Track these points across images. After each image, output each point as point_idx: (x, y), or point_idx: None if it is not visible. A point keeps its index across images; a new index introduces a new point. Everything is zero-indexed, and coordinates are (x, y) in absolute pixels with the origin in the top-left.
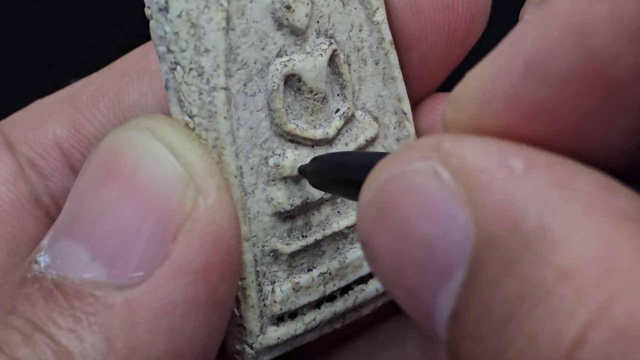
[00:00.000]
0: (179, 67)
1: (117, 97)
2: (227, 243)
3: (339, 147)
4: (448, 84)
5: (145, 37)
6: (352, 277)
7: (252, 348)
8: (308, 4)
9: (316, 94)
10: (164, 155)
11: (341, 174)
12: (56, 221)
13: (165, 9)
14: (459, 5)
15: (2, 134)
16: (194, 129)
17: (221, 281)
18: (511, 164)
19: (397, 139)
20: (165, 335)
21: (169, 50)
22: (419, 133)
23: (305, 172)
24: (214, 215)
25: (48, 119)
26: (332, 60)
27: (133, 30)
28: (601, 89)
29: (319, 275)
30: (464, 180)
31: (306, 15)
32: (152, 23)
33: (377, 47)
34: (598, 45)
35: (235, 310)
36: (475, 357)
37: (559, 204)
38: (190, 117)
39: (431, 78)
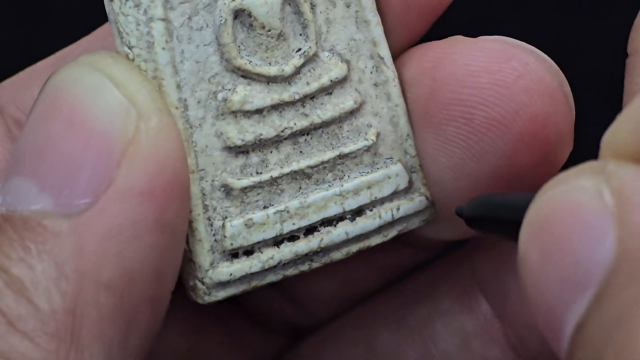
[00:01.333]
0: None
1: None
2: (172, 165)
3: (299, 86)
4: (433, 34)
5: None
6: (314, 218)
7: (203, 283)
8: None
9: (269, 30)
10: (104, 86)
11: (501, 214)
12: (8, 162)
13: None
14: None
15: None
16: (133, 59)
17: (168, 202)
18: None
19: (374, 84)
20: (115, 258)
21: None
22: (404, 82)
23: (462, 213)
24: (156, 138)
25: (36, 81)
26: None
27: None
28: None
29: (275, 213)
30: (620, 200)
31: None
32: None
33: None
34: None
35: (185, 245)
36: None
37: None
38: (129, 48)
39: (413, 26)
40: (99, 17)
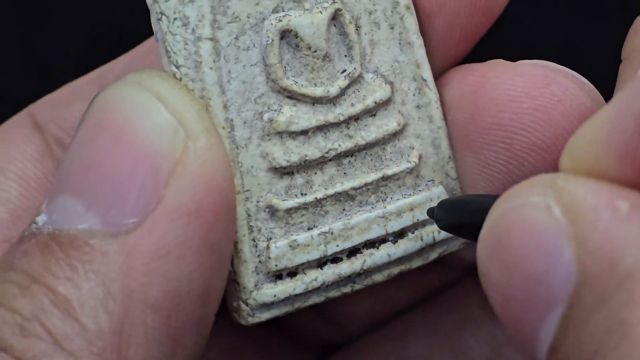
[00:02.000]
0: (164, 17)
1: None
2: (219, 185)
3: (343, 107)
4: (477, 55)
5: (147, 36)
6: (357, 240)
7: (247, 304)
8: None
9: (315, 51)
10: (152, 105)
11: (464, 217)
12: (53, 181)
13: None
14: None
15: (31, 115)
16: (180, 79)
17: (215, 223)
18: (617, 205)
19: (417, 106)
20: (162, 278)
21: (154, 1)
22: (445, 104)
23: (432, 215)
24: (204, 158)
25: (76, 99)
26: (337, 20)
27: (134, 30)
28: None
29: (319, 235)
30: (573, 217)
31: None
32: None
33: (392, 11)
34: None
35: (230, 265)
36: None
37: None
38: (177, 67)
39: (456, 47)
40: (100, 17)
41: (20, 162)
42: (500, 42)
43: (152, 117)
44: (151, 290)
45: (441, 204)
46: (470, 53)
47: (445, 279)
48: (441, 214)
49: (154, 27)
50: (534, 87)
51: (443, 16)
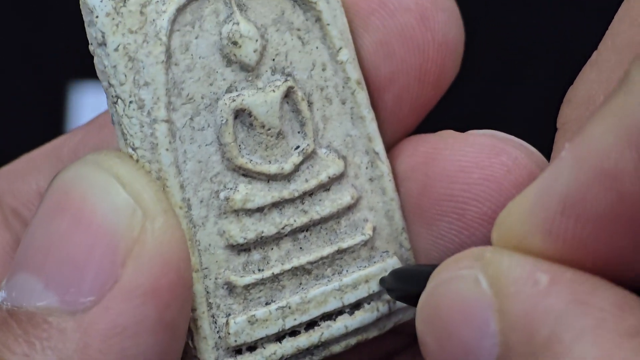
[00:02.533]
0: (119, 101)
1: (99, 147)
2: (175, 265)
3: (298, 183)
4: (427, 124)
5: None
6: (315, 313)
7: None
8: (257, 40)
9: (269, 129)
10: (110, 185)
11: (411, 286)
12: (13, 258)
13: (103, 44)
14: (430, 47)
15: None
16: (137, 160)
17: (171, 302)
18: (538, 278)
19: (369, 179)
20: (117, 355)
21: (110, 84)
22: (397, 175)
23: (385, 285)
24: (161, 238)
25: (32, 171)
26: (290, 97)
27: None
28: (633, 228)
29: (277, 309)
30: (497, 289)
31: (254, 51)
32: (95, 59)
33: (343, 87)
34: (628, 189)
35: (190, 342)
36: None
37: (571, 318)
38: (133, 149)
39: (406, 119)
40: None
41: None
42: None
43: (110, 198)
44: None
45: (392, 274)
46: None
47: (399, 344)
48: (392, 283)
49: (110, 110)
50: (484, 158)
51: (392, 91)
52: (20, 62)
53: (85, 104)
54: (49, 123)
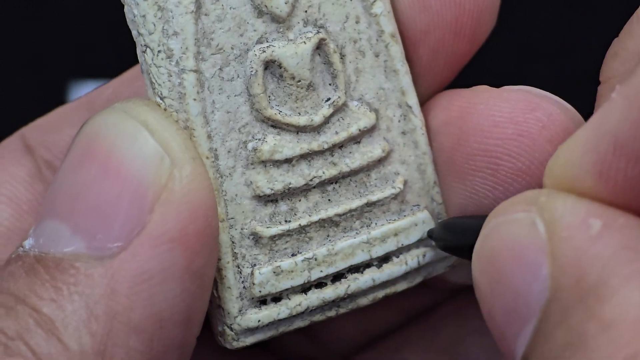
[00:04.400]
0: (148, 50)
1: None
2: (203, 213)
3: (327, 135)
4: (461, 80)
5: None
6: (342, 265)
7: (231, 329)
8: None
9: (299, 81)
10: (139, 133)
11: (461, 238)
12: (41, 205)
13: None
14: (466, 1)
15: (22, 138)
16: (165, 110)
17: (199, 250)
18: (590, 223)
19: (402, 132)
20: (145, 302)
21: (139, 34)
22: (431, 129)
23: (432, 236)
24: (189, 186)
25: (66, 123)
26: (321, 49)
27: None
28: None
29: (303, 261)
30: (551, 233)
31: (286, 3)
32: (125, 8)
33: (377, 40)
34: None
35: (214, 291)
36: None
37: (620, 264)
38: (162, 98)
39: (441, 73)
40: (100, 17)
41: (11, 185)
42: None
43: (138, 145)
44: (134, 313)
45: (441, 224)
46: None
47: (431, 300)
48: (441, 234)
49: (140, 59)
50: (518, 113)
51: (428, 44)
52: (20, 62)
53: None
54: None
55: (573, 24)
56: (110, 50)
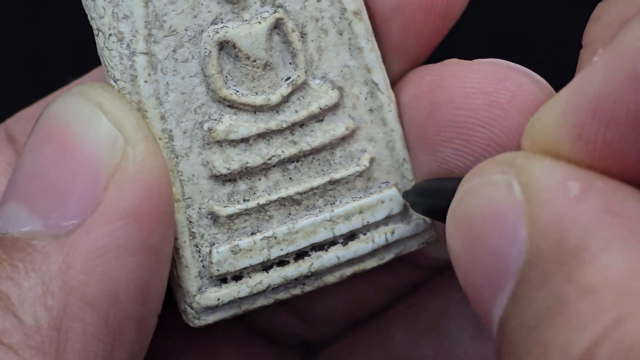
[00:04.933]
0: (100, 33)
1: None
2: (157, 190)
3: (287, 114)
4: (436, 56)
5: None
6: (303, 243)
7: (191, 308)
8: None
9: (254, 61)
10: (94, 114)
11: (436, 200)
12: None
13: None
14: None
15: (5, 129)
16: (119, 92)
17: (154, 226)
18: (569, 185)
19: (369, 109)
20: (100, 277)
21: (91, 17)
22: (402, 105)
23: (407, 198)
24: (143, 163)
25: None
26: (280, 29)
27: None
28: None
29: (262, 239)
30: (528, 196)
31: None
32: None
33: (340, 18)
34: None
35: (174, 270)
36: None
37: (600, 227)
38: (115, 81)
39: (413, 51)
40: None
41: None
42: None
43: (93, 126)
44: (89, 289)
45: (414, 188)
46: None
47: (417, 278)
48: (415, 197)
49: (96, 41)
50: (488, 84)
51: (398, 22)
52: (20, 62)
53: None
54: None
55: (568, 16)
56: (74, 67)
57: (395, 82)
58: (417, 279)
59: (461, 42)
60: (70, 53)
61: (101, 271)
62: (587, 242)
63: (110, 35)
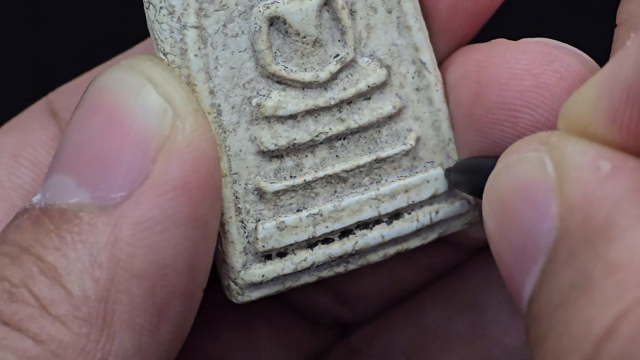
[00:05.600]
0: (151, 6)
1: None
2: (206, 163)
3: (335, 91)
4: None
5: (148, 37)
6: (348, 221)
7: (235, 284)
8: None
9: (304, 37)
10: (143, 86)
11: (474, 178)
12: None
13: None
14: None
15: (48, 103)
16: (168, 65)
17: (201, 199)
18: (600, 164)
19: (416, 89)
20: (148, 249)
21: None
22: (449, 84)
23: (449, 176)
24: (192, 136)
25: None
26: (330, 5)
27: (134, 31)
28: None
29: (307, 216)
30: (560, 173)
31: None
32: None
33: None
34: None
35: (219, 246)
36: (534, 338)
37: (628, 205)
38: (164, 54)
39: (461, 30)
40: (100, 17)
41: (34, 149)
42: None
43: (142, 98)
44: (137, 260)
45: (456, 165)
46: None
47: (457, 257)
48: (456, 175)
49: (146, 15)
50: (536, 65)
51: (447, 0)
52: (20, 62)
53: None
54: None
55: None
56: (111, 51)
57: (442, 61)
58: (455, 259)
59: (506, 21)
60: (70, 53)
61: (149, 243)
62: (615, 220)
63: (161, 8)
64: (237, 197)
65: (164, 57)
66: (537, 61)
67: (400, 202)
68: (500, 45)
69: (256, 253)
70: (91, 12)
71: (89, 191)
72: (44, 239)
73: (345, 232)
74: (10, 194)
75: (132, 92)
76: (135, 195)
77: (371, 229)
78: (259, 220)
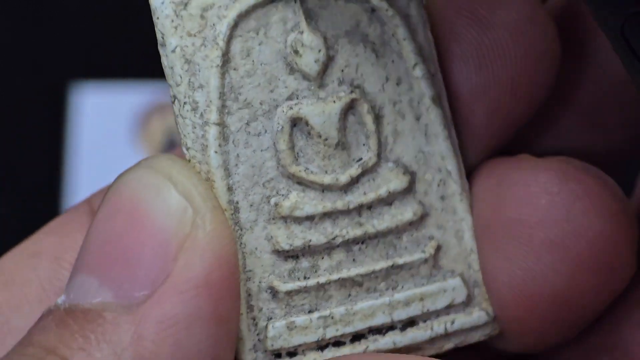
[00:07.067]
0: (176, 101)
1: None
2: (226, 260)
3: (355, 195)
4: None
5: (148, 37)
6: (360, 325)
7: None
8: (320, 51)
9: (326, 139)
10: (163, 185)
11: None
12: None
13: (163, 44)
14: (521, 60)
15: (89, 204)
16: (189, 160)
17: (224, 295)
18: None
19: (441, 197)
20: (171, 347)
21: (169, 85)
22: (474, 195)
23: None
24: (212, 234)
25: None
26: (355, 109)
27: (134, 31)
28: None
29: (318, 318)
30: None
31: (316, 61)
32: (161, 57)
33: (418, 103)
34: None
35: None
36: None
37: None
38: (187, 149)
39: (494, 139)
40: (100, 17)
41: (75, 251)
42: None
43: (162, 197)
44: (161, 358)
45: None
46: None
47: None
48: None
49: (173, 109)
50: (554, 184)
51: (483, 106)
52: (20, 62)
53: (86, 104)
54: (49, 123)
55: None
56: (111, 51)
57: (473, 168)
58: None
59: None
60: (71, 54)
61: (172, 341)
62: None
63: (185, 103)
64: (249, 295)
65: (186, 152)
66: (555, 180)
67: (414, 309)
68: (523, 161)
69: (265, 351)
70: (91, 12)
71: (111, 290)
72: (69, 340)
73: (357, 336)
74: (51, 297)
75: (153, 192)
76: (157, 294)
77: (384, 334)
78: (271, 318)
